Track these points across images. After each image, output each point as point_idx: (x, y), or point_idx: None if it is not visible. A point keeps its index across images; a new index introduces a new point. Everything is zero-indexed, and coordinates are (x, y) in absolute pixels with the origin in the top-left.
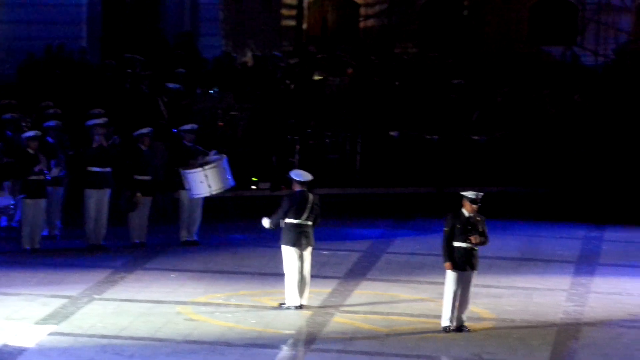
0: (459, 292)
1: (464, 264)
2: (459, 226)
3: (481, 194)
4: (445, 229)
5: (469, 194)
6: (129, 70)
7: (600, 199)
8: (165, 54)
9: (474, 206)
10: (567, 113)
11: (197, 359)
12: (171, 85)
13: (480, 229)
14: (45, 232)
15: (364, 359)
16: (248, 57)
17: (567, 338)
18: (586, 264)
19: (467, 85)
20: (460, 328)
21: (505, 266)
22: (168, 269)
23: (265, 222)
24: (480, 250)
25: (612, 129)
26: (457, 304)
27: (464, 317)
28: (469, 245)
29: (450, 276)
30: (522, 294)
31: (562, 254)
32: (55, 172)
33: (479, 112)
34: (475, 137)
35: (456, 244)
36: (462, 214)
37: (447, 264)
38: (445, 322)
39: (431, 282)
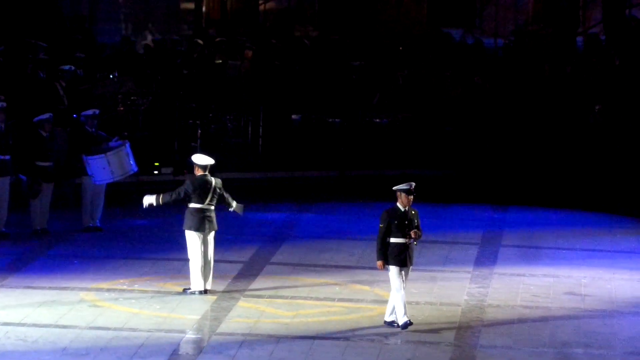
0: (404, 286)
1: (404, 259)
2: (396, 222)
3: (413, 183)
4: (380, 225)
5: (403, 186)
6: (30, 56)
7: (502, 181)
8: (64, 39)
9: (410, 197)
10: (468, 95)
11: (101, 345)
12: (66, 67)
13: (416, 223)
14: None
15: (269, 343)
16: (148, 41)
17: (472, 319)
18: (490, 245)
19: (368, 68)
20: (392, 323)
21: None
22: (71, 256)
23: (148, 199)
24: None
25: (513, 111)
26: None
27: (406, 314)
28: (407, 240)
29: (394, 271)
30: (426, 277)
31: (466, 236)
32: None
33: (380, 94)
34: (377, 120)
35: (393, 240)
36: (398, 209)
37: (379, 263)
38: (402, 319)
39: (335, 265)
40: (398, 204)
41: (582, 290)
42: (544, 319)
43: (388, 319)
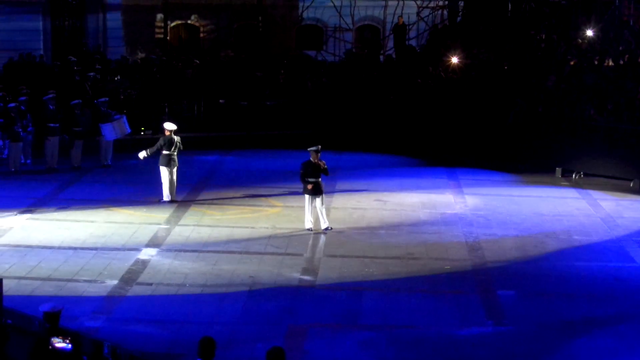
0: (311, 208)
1: (315, 191)
2: (309, 169)
3: (319, 146)
4: (301, 172)
5: (313, 148)
6: (75, 68)
7: (340, 137)
8: (89, 58)
9: (318, 154)
10: (319, 89)
11: (112, 232)
12: (91, 74)
13: (323, 167)
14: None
15: (208, 230)
16: (138, 58)
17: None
18: (332, 172)
19: (264, 76)
20: (326, 229)
21: (281, 177)
22: (94, 182)
23: (142, 154)
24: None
25: (348, 97)
26: (312, 215)
27: (326, 222)
28: (315, 180)
29: (306, 198)
30: (298, 193)
31: None
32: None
33: (269, 89)
34: (268, 103)
35: (310, 179)
36: (311, 161)
37: (308, 187)
38: (307, 224)
39: (246, 186)
40: (311, 159)
41: (384, 198)
42: (362, 215)
43: (322, 227)
